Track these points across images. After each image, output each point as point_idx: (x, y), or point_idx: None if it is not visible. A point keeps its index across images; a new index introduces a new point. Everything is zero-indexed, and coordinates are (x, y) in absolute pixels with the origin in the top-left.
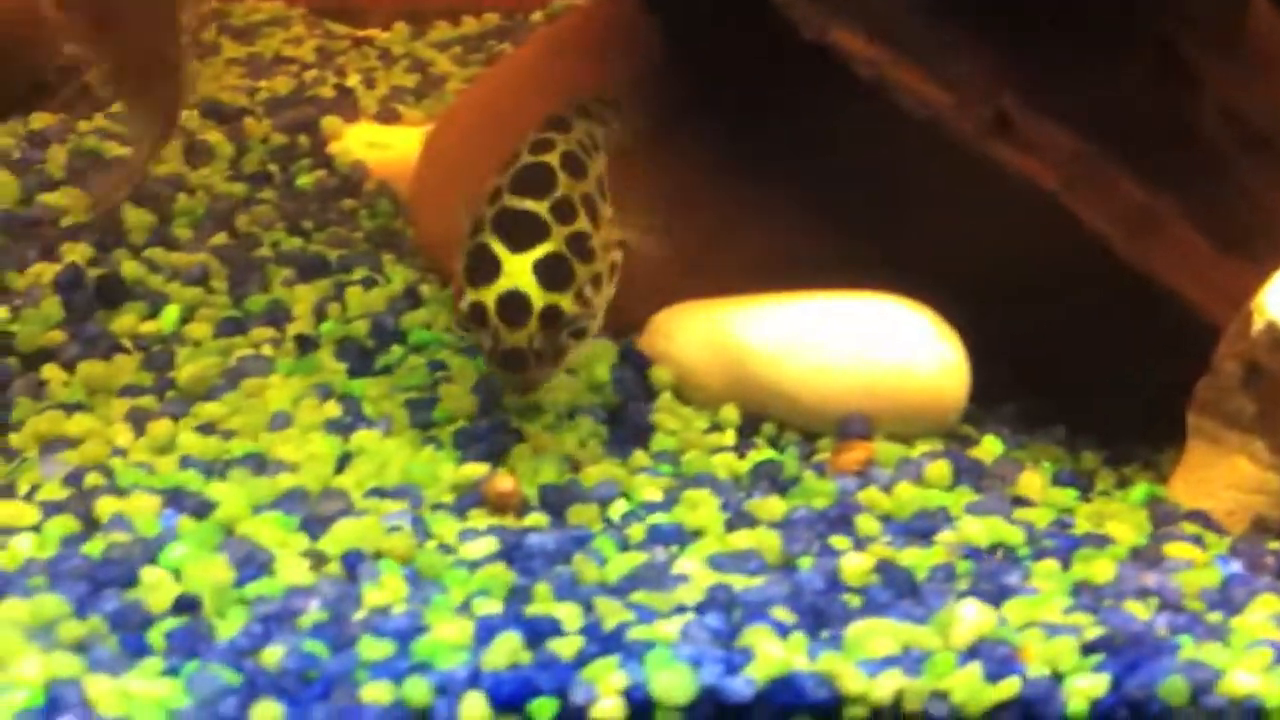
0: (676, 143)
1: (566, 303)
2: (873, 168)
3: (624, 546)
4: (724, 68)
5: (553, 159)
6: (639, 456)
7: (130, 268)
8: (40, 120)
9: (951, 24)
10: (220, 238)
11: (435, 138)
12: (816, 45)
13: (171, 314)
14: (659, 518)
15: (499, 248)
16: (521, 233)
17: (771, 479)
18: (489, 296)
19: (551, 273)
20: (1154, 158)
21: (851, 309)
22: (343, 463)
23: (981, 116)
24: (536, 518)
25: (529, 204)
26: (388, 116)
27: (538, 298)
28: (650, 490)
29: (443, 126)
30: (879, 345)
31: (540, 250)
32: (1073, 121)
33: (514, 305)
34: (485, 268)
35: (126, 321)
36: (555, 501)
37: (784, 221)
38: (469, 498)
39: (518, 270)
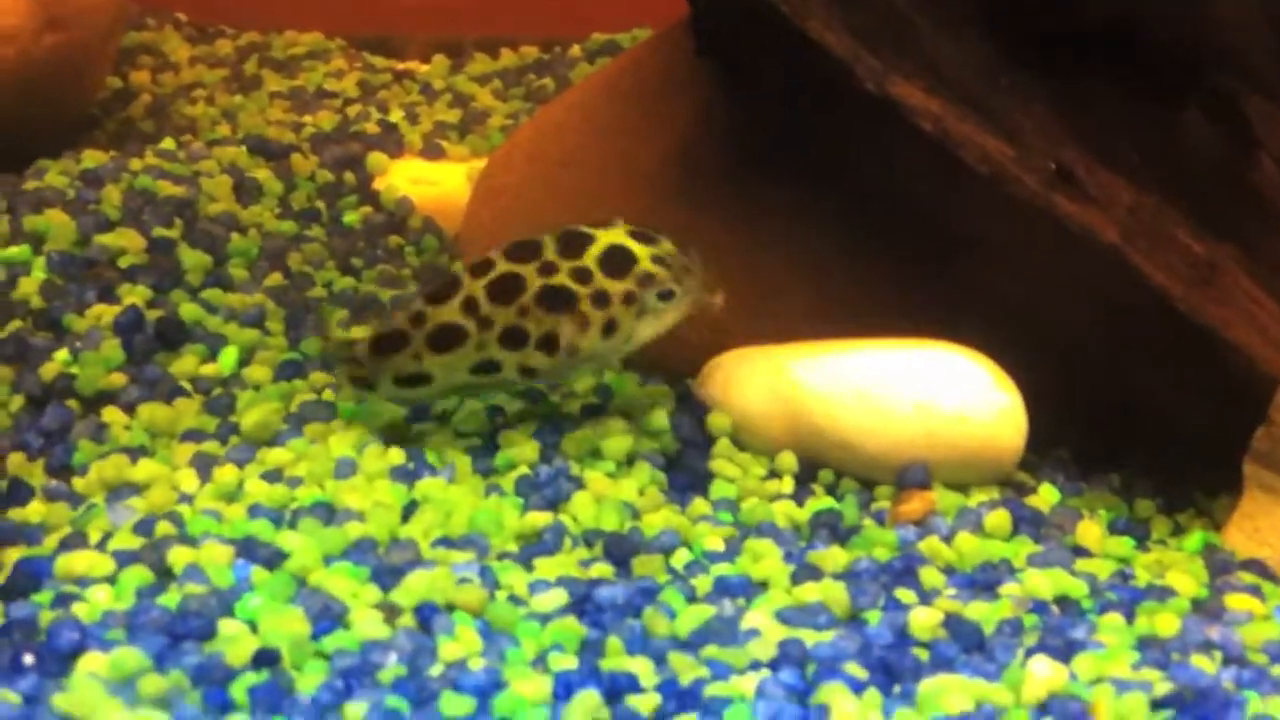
0: (733, 190)
1: None
2: (930, 215)
3: (691, 598)
4: (781, 115)
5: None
6: (699, 504)
7: (188, 309)
8: (93, 159)
9: (1011, 75)
10: (275, 278)
11: (488, 177)
12: (877, 97)
13: (230, 356)
14: (724, 569)
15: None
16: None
17: (831, 528)
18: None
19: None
20: (1213, 209)
21: (909, 357)
22: (409, 511)
23: (1043, 169)
24: (602, 568)
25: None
26: (432, 152)
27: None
28: (712, 539)
29: (496, 166)
30: (937, 393)
31: None
32: (1132, 173)
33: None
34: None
35: (186, 364)
36: (619, 551)
37: (842, 269)
38: (534, 547)
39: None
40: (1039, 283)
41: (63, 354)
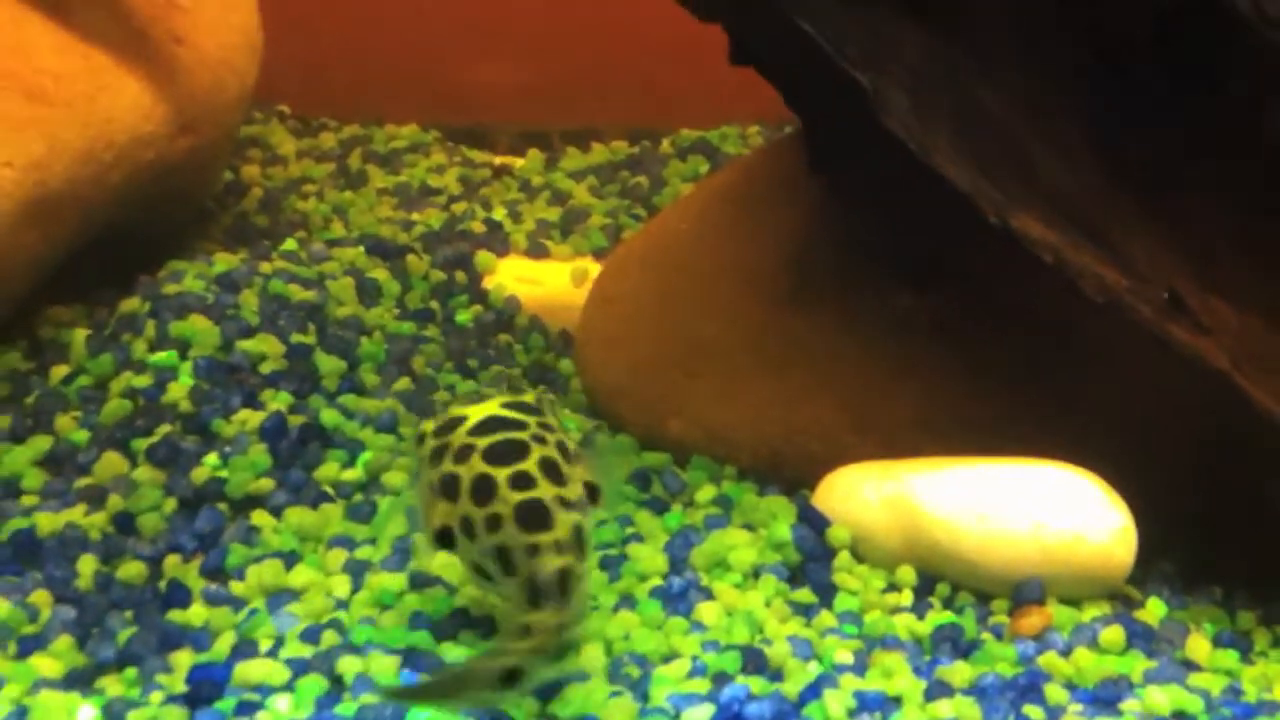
0: (844, 297)
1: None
2: (1037, 328)
3: (830, 713)
4: (891, 226)
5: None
6: (825, 616)
7: (328, 415)
8: (224, 262)
9: (1123, 201)
10: (403, 382)
11: (604, 284)
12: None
13: (366, 462)
14: (858, 683)
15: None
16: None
17: (953, 642)
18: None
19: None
20: None
21: (1027, 476)
22: None
23: (1156, 300)
24: (741, 680)
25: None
26: (536, 251)
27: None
28: (841, 652)
29: (611, 273)
30: (1054, 514)
31: None
32: (1238, 293)
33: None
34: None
35: (329, 469)
36: (755, 664)
37: (949, 379)
38: (674, 658)
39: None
40: (1144, 396)
41: (212, 458)
